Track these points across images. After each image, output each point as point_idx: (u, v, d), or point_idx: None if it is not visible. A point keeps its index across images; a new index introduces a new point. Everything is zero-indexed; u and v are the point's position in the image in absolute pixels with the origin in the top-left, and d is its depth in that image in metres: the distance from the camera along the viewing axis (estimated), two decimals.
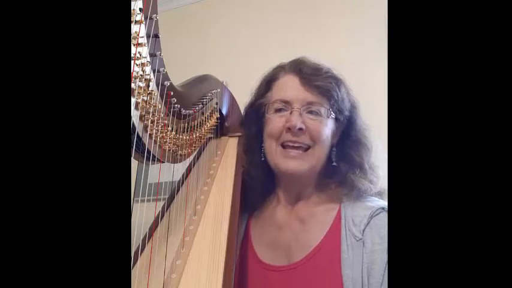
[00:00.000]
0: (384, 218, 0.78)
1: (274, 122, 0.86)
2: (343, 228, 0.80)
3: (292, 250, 0.83)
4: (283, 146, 0.84)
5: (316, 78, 0.85)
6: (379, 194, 0.86)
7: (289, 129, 0.83)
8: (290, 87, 0.86)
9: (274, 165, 0.87)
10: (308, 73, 0.85)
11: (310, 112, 0.84)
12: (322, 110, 0.84)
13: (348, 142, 0.88)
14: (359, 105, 0.92)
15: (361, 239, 0.77)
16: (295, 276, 0.79)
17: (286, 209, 0.90)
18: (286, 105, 0.85)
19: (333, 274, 0.76)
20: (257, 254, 0.87)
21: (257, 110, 0.92)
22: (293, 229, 0.86)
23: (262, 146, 0.91)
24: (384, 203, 0.83)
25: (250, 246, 0.89)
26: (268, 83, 0.92)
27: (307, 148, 0.84)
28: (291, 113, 0.84)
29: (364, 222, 0.78)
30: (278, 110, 0.86)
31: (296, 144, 0.83)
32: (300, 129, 0.82)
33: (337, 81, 0.87)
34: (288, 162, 0.84)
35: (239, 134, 1.06)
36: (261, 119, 0.92)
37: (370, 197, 0.84)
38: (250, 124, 0.95)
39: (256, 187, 0.92)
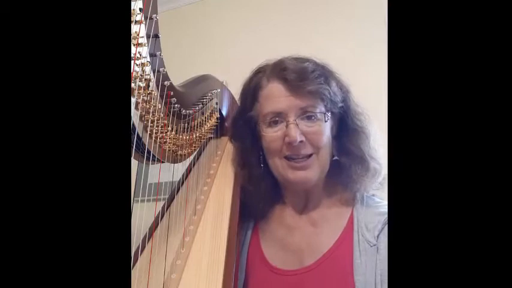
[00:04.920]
0: None
1: (272, 139, 0.81)
2: (356, 233, 0.79)
3: (304, 254, 0.81)
4: (287, 158, 0.81)
5: (305, 84, 0.78)
6: (381, 185, 0.84)
7: (289, 144, 0.79)
8: (278, 97, 0.80)
9: (283, 179, 0.84)
10: (293, 79, 0.79)
11: (306, 118, 0.79)
12: (318, 115, 0.79)
13: (345, 133, 0.84)
14: (350, 88, 0.86)
15: (375, 245, 0.75)
16: (306, 281, 0.78)
17: (296, 212, 0.88)
18: (279, 116, 0.80)
19: (344, 280, 0.74)
20: (267, 258, 0.85)
21: (247, 122, 0.88)
22: (305, 231, 0.85)
23: (261, 155, 0.87)
24: None
25: (259, 250, 0.86)
26: (254, 92, 0.86)
27: (310, 154, 0.80)
28: (286, 126, 0.79)
29: (379, 228, 0.77)
30: (272, 123, 0.81)
31: (300, 157, 0.80)
32: (301, 141, 0.78)
33: (327, 78, 0.81)
34: (296, 173, 0.80)
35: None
36: (254, 131, 0.87)
37: (383, 201, 0.83)
38: (244, 137, 0.89)
39: (260, 198, 0.89)
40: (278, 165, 0.83)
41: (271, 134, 0.82)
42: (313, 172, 0.81)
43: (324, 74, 0.82)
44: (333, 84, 0.83)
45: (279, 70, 0.82)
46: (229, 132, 0.99)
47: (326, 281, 0.76)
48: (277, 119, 0.81)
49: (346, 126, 0.85)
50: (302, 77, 0.79)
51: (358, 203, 0.83)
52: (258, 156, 0.87)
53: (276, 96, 0.81)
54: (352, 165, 0.82)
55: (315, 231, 0.84)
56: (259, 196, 0.88)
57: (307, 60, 0.84)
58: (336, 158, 0.84)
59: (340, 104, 0.83)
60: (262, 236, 0.89)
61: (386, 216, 0.78)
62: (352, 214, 0.82)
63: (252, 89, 0.87)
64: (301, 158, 0.80)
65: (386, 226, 0.77)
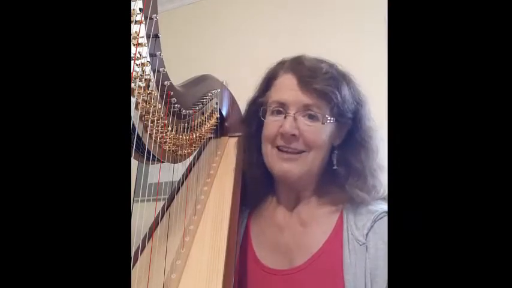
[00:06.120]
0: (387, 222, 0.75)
1: (270, 126, 0.84)
2: (345, 232, 0.79)
3: (294, 253, 0.81)
4: (279, 148, 0.82)
5: (314, 81, 0.80)
6: (384, 199, 0.83)
7: (282, 135, 0.80)
8: (287, 88, 0.83)
9: (269, 168, 0.85)
10: (305, 74, 0.81)
11: (307, 116, 0.81)
12: (320, 116, 0.80)
13: (350, 145, 0.85)
14: (367, 102, 0.87)
15: (364, 244, 0.75)
16: (296, 281, 0.78)
17: (286, 211, 0.88)
18: (283, 107, 0.82)
19: (334, 279, 0.74)
20: (257, 256, 0.85)
21: (257, 109, 0.90)
22: (294, 232, 0.85)
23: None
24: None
25: (250, 247, 0.87)
26: (269, 80, 0.89)
27: (301, 151, 0.81)
28: (285, 117, 0.81)
29: (368, 226, 0.77)
30: (275, 112, 0.84)
31: (290, 150, 0.81)
32: (293, 135, 0.80)
33: (338, 82, 0.82)
34: (282, 164, 0.82)
35: (239, 134, 1.05)
36: (260, 118, 0.89)
37: (374, 201, 0.82)
38: (251, 122, 0.92)
39: (255, 186, 0.91)
40: (268, 154, 0.84)
41: (271, 122, 0.84)
42: (298, 167, 0.81)
43: (337, 79, 0.83)
44: (344, 91, 0.82)
45: (296, 63, 0.85)
46: (241, 117, 1.01)
47: (316, 281, 0.77)
48: (280, 109, 0.83)
49: (352, 139, 0.85)
50: (313, 74, 0.81)
51: (347, 203, 0.83)
52: (260, 142, 0.88)
53: (285, 87, 0.84)
54: (350, 176, 0.82)
55: (304, 231, 0.84)
56: (255, 179, 0.90)
57: (327, 63, 0.85)
58: (335, 167, 0.84)
59: (349, 115, 0.83)
60: (254, 235, 0.89)
61: (375, 214, 0.78)
62: (341, 213, 0.82)
63: (268, 77, 0.90)
64: (291, 152, 0.81)
65: (376, 224, 0.77)
